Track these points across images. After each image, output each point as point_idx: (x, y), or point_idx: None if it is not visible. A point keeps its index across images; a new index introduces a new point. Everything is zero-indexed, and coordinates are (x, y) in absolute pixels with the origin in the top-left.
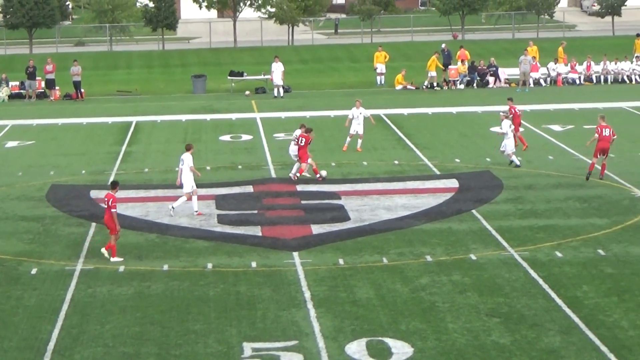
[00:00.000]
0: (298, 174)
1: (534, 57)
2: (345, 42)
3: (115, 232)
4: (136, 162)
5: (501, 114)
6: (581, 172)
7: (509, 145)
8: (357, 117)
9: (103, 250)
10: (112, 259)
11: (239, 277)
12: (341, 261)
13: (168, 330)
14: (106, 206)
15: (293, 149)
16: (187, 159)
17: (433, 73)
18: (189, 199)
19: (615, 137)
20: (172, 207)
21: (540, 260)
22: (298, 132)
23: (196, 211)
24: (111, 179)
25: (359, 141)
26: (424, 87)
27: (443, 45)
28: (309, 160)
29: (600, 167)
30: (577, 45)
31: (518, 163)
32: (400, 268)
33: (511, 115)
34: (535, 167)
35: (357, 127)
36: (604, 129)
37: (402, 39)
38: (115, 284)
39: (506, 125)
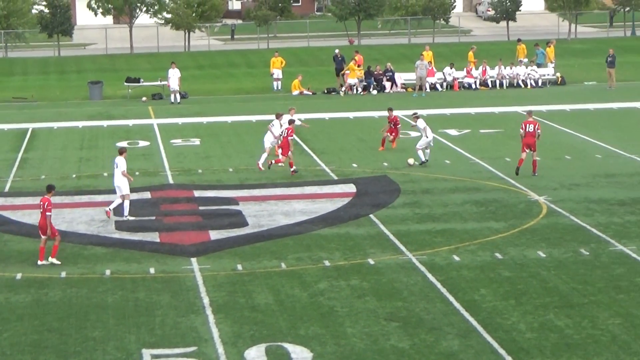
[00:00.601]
0: (268, 163)
1: (430, 62)
2: (241, 47)
3: (54, 234)
4: (33, 169)
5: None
6: (477, 176)
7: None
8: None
9: (51, 259)
10: (50, 259)
11: (137, 283)
12: (240, 267)
13: (66, 337)
14: (42, 210)
15: (268, 138)
16: (120, 162)
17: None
18: (126, 199)
19: (540, 131)
20: (110, 209)
21: (438, 264)
22: (276, 122)
23: (108, 210)
24: (7, 187)
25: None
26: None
27: (337, 51)
28: (289, 154)
29: (531, 164)
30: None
31: (423, 159)
32: (298, 273)
33: (392, 124)
34: (432, 171)
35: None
36: (527, 125)
37: (298, 45)
38: (12, 292)
39: (422, 124)
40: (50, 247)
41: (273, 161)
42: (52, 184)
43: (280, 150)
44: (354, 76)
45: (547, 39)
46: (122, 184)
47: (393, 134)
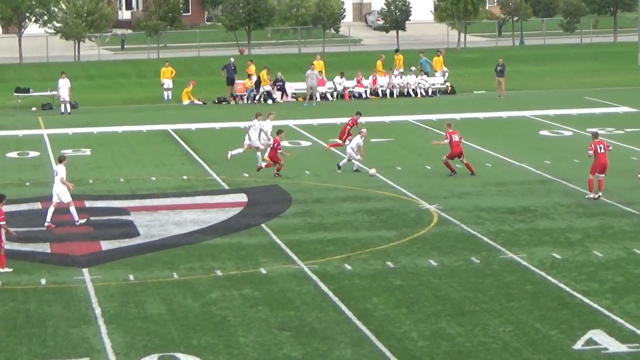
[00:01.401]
0: (263, 166)
1: (320, 72)
2: (132, 57)
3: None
4: None
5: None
6: (369, 185)
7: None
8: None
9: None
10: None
11: (28, 294)
12: (131, 277)
13: None
14: None
15: (253, 139)
16: (60, 170)
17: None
18: (70, 205)
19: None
20: (49, 221)
21: (330, 273)
22: (255, 121)
23: (48, 222)
24: None
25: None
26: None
27: (232, 60)
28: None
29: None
30: (363, 60)
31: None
32: (190, 283)
33: (354, 127)
34: (323, 180)
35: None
36: (453, 135)
37: (189, 54)
38: None
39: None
40: None
41: (263, 165)
42: (2, 194)
43: (267, 155)
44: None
45: (437, 49)
46: (61, 191)
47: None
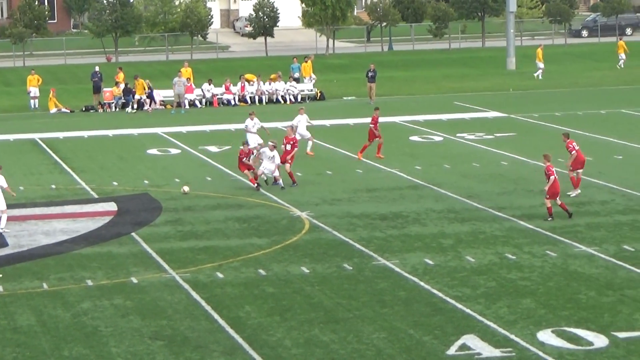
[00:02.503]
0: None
1: (188, 79)
2: None
3: None
4: None
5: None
6: (239, 193)
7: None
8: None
9: None
10: None
11: None
12: (0, 288)
13: None
14: None
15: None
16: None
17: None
18: (3, 213)
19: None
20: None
21: (202, 282)
22: (249, 121)
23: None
24: None
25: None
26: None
27: (97, 68)
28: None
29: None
30: (231, 66)
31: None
32: (61, 293)
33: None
34: (193, 188)
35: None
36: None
37: (55, 62)
38: None
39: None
40: None
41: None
42: None
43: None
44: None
45: (306, 54)
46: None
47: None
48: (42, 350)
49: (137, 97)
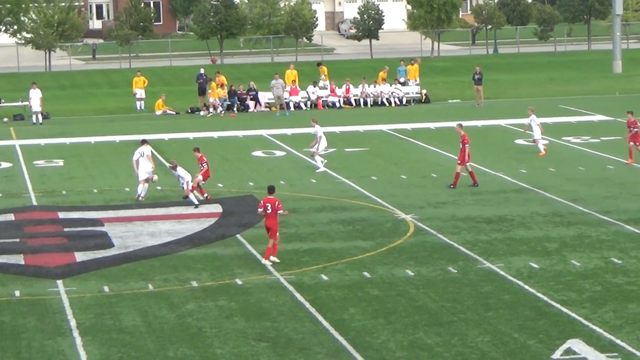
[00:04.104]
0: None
1: (294, 81)
2: (103, 67)
3: None
4: None
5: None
6: (344, 195)
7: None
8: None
9: None
10: None
11: (2, 306)
12: (106, 288)
13: None
14: None
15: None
16: None
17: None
18: None
19: None
20: None
21: (306, 284)
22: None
23: None
24: None
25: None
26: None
27: (202, 70)
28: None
29: None
30: (336, 69)
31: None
32: (166, 294)
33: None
34: (298, 190)
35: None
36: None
37: (160, 64)
38: None
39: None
40: None
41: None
42: None
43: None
44: (215, 96)
45: (410, 57)
46: None
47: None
48: (147, 351)
49: (211, 99)
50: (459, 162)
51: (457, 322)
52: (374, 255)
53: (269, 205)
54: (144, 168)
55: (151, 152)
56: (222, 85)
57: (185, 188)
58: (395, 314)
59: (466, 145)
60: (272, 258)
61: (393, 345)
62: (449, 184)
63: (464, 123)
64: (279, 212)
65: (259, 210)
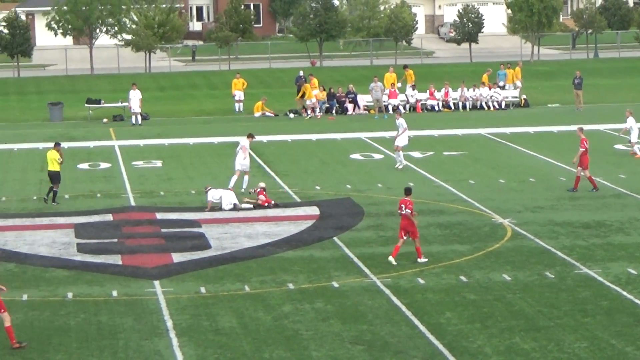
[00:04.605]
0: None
1: (393, 84)
2: (203, 69)
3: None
4: None
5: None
6: (441, 199)
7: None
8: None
9: None
10: None
11: (100, 306)
12: (203, 289)
13: None
14: None
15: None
16: None
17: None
18: None
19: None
20: None
21: (403, 287)
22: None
23: None
24: None
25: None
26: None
27: (301, 72)
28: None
29: None
30: (435, 72)
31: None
32: (262, 296)
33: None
34: (395, 193)
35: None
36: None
37: (260, 66)
38: None
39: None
40: None
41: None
42: None
43: None
44: (310, 97)
45: (506, 61)
46: None
47: None
48: (243, 352)
49: (308, 101)
50: (582, 166)
51: (553, 328)
52: (471, 259)
53: (403, 205)
54: (239, 159)
55: (248, 146)
56: (319, 88)
57: (226, 207)
58: (491, 319)
59: (582, 149)
60: (420, 260)
61: (489, 350)
62: (570, 189)
63: (563, 128)
64: (407, 211)
65: (399, 211)
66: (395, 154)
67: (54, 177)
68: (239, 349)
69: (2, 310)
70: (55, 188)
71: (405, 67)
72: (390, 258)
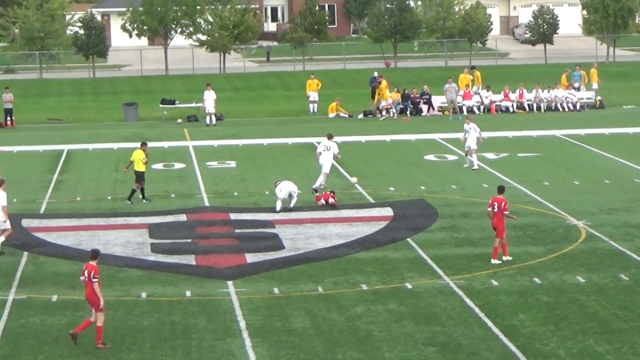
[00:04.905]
0: None
1: (467, 85)
2: (277, 69)
3: (98, 308)
4: (68, 190)
5: None
6: (515, 200)
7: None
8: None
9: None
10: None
11: (173, 306)
12: (276, 290)
13: None
14: (86, 279)
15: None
16: (1, 196)
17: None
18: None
19: None
20: None
21: (476, 289)
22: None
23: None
24: (43, 208)
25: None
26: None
27: (375, 74)
28: None
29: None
30: (509, 73)
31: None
32: (335, 297)
33: None
34: (469, 195)
35: None
36: None
37: (334, 67)
38: (48, 314)
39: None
40: None
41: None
42: (97, 249)
43: None
44: (386, 97)
45: (583, 62)
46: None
47: None
48: (315, 353)
49: (383, 102)
50: None
51: (628, 330)
52: (545, 261)
53: (495, 204)
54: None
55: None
56: (396, 89)
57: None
58: (565, 321)
59: None
60: (505, 257)
61: (563, 352)
62: None
63: (639, 130)
64: (504, 212)
65: (488, 209)
66: (470, 156)
67: (139, 176)
68: (312, 350)
69: (98, 310)
70: (136, 187)
71: (472, 67)
72: (493, 261)
